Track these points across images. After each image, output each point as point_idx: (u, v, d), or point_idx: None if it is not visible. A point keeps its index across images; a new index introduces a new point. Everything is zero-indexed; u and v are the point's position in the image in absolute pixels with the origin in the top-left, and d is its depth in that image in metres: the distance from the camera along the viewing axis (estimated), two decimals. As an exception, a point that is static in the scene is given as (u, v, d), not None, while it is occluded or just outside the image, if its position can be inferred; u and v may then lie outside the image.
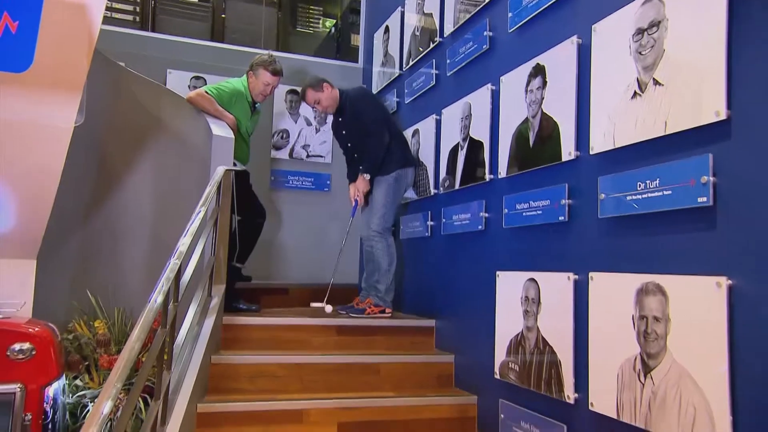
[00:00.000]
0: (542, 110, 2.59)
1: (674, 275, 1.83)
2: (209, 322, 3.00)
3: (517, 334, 2.65)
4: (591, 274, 2.20)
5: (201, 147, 3.55)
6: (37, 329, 2.54)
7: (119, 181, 3.43)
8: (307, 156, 5.04)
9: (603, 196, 2.16)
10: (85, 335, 2.83)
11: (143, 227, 3.44)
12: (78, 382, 2.80)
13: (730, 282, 1.66)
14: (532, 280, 2.57)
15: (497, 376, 2.79)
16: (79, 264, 3.31)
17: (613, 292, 2.09)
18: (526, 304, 2.61)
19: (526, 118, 2.71)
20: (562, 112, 2.47)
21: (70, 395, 2.72)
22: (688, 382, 1.75)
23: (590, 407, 2.17)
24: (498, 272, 2.82)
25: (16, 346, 2.42)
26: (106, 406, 1.54)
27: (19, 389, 2.36)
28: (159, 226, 3.45)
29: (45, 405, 2.45)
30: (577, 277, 2.29)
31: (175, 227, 2.70)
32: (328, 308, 3.75)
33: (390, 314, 3.70)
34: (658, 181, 1.91)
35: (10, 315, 2.65)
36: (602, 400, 2.11)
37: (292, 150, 5.00)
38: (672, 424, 1.79)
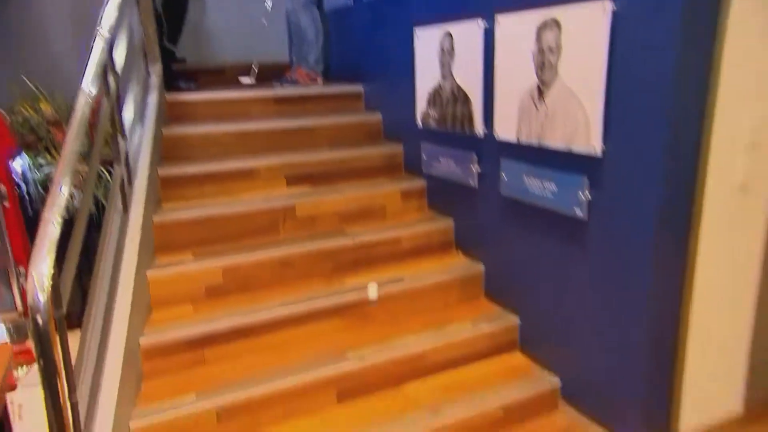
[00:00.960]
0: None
1: (568, 5, 2.00)
2: (153, 98, 3.06)
3: (435, 86, 2.87)
4: (497, 16, 2.35)
5: None
6: (-17, 112, 2.56)
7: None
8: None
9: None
10: (33, 117, 2.85)
11: (64, 7, 3.25)
12: (41, 160, 2.90)
13: (614, 7, 1.85)
14: (448, 34, 2.70)
15: (419, 125, 3.07)
16: (7, 53, 3.16)
17: (516, 32, 2.27)
18: (441, 56, 2.78)
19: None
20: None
21: (37, 172, 2.84)
22: (572, 100, 2.04)
23: (496, 137, 2.49)
24: (416, 29, 2.93)
25: (-31, 127, 2.45)
26: (67, 169, 1.63)
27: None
28: (80, 5, 3.26)
29: (15, 177, 2.56)
30: (486, 25, 2.44)
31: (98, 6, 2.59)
32: (247, 80, 3.88)
33: (321, 82, 3.83)
34: None
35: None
36: (505, 129, 2.43)
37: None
38: (558, 135, 2.12)
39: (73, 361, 1.62)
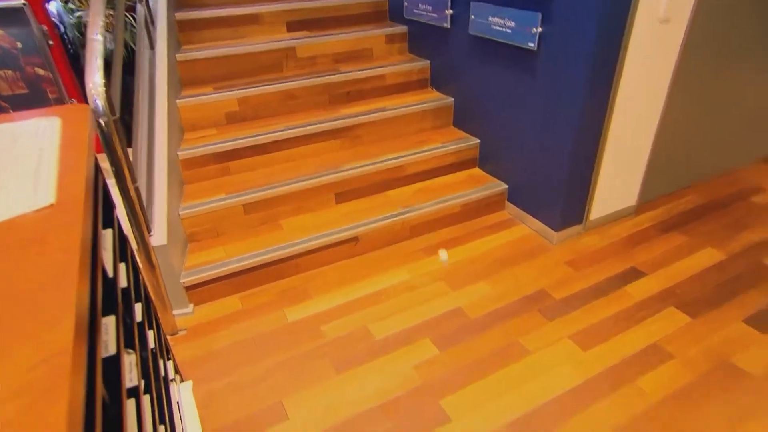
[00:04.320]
0: None
1: None
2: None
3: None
4: None
5: None
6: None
7: None
8: None
9: None
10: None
11: None
12: (71, 5, 2.79)
13: None
14: None
15: (402, -27, 2.93)
16: None
17: None
18: None
19: None
20: None
21: (70, 15, 2.75)
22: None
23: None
24: None
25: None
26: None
27: (23, 3, 2.39)
28: None
29: (53, 19, 2.51)
30: None
31: None
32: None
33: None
34: None
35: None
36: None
37: None
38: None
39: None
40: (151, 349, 0.95)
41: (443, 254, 1.61)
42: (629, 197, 2.55)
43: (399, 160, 2.57)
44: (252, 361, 1.81)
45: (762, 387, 1.66)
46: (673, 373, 1.71)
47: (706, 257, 2.28)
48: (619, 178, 2.41)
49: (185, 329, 1.96)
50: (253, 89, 2.63)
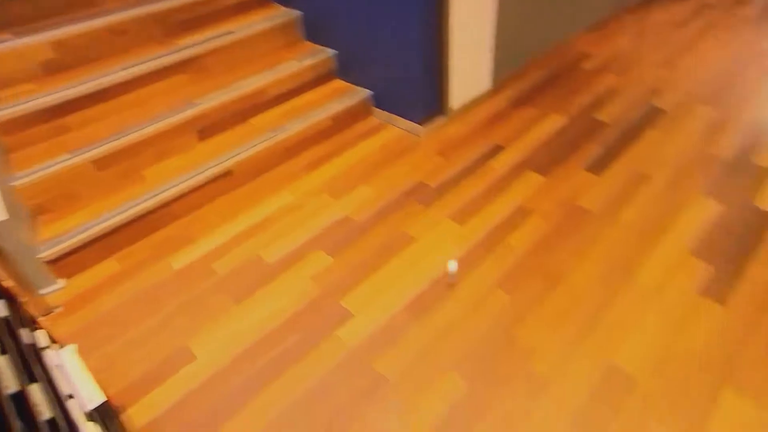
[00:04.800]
0: None
1: None
2: None
3: None
4: None
5: None
6: None
7: None
8: None
9: None
10: None
11: None
12: None
13: None
14: None
15: None
16: None
17: None
18: None
19: None
20: None
21: None
22: None
23: None
24: None
25: None
26: None
27: None
28: None
29: None
30: None
31: None
32: None
33: None
34: None
35: None
36: None
37: None
38: None
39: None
40: (4, 318, 0.86)
41: (452, 265, 1.53)
42: (484, 81, 2.70)
43: (256, 84, 2.44)
44: (145, 316, 1.73)
45: (599, 219, 1.95)
46: (534, 227, 1.94)
47: (552, 123, 2.53)
48: (469, 64, 2.52)
49: (60, 306, 1.80)
50: (67, 29, 2.27)
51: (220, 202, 2.22)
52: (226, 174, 2.21)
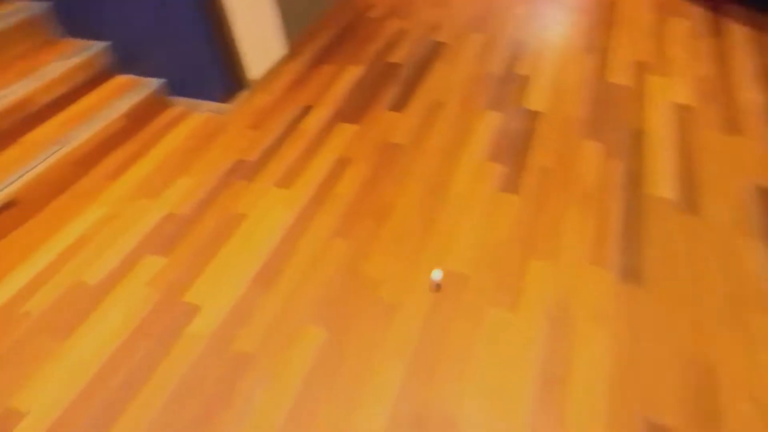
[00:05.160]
0: None
1: None
2: None
3: None
4: None
5: None
6: None
7: None
8: None
9: None
10: None
11: None
12: None
13: None
14: None
15: None
16: None
17: None
18: None
19: None
20: None
21: None
22: None
23: None
24: None
25: None
26: None
27: None
28: None
29: None
30: None
31: None
32: None
33: None
34: None
35: None
36: None
37: None
38: None
39: None
40: None
41: (436, 274, 1.44)
42: (278, 47, 2.68)
43: (16, 95, 2.10)
44: (-51, 389, 1.46)
45: (410, 151, 2.13)
46: (356, 172, 2.05)
47: (351, 75, 2.64)
48: (258, 32, 2.48)
49: None
50: None
51: (14, 237, 1.92)
52: (10, 204, 1.91)
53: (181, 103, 2.51)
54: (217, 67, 2.29)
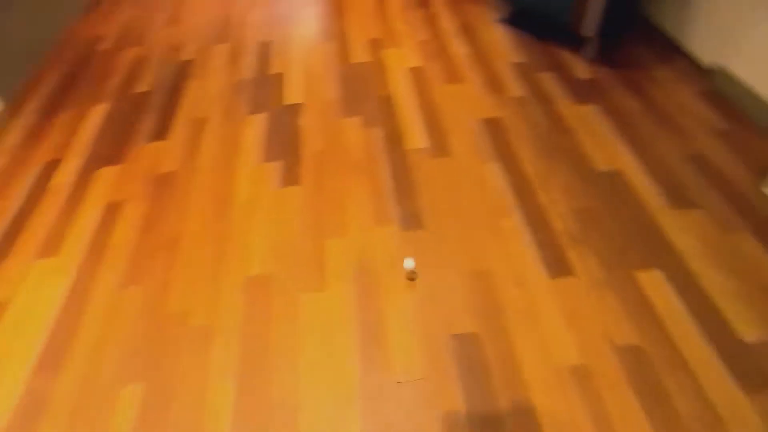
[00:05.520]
0: None
1: None
2: None
3: None
4: None
5: None
6: None
7: None
8: None
9: None
10: None
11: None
12: None
13: None
14: None
15: None
16: None
17: None
18: None
19: None
20: None
21: None
22: None
23: None
24: None
25: None
26: None
27: None
28: None
29: None
30: None
31: None
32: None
33: None
34: None
35: None
36: None
37: None
38: None
39: None
40: None
41: (408, 262, 1.52)
42: (-12, 106, 2.30)
43: None
44: None
45: (185, 174, 2.05)
46: (131, 213, 1.90)
47: (96, 115, 2.41)
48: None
49: None
50: None
51: None
52: None
53: None
54: None
